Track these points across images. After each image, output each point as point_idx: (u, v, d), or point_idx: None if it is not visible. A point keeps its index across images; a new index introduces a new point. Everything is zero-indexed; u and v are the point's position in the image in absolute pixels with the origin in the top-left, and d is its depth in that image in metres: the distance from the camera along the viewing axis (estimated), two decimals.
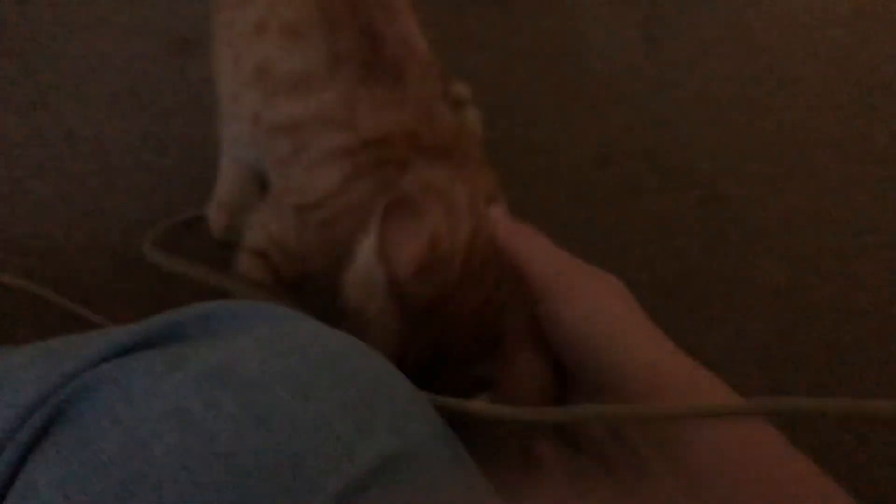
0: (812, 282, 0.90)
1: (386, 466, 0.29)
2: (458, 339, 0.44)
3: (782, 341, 0.85)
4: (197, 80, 0.92)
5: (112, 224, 0.81)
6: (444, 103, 0.59)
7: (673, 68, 1.09)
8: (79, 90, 0.90)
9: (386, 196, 0.43)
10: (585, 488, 0.36)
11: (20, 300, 0.73)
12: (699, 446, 0.32)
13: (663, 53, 1.11)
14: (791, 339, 0.85)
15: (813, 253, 0.93)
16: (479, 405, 0.36)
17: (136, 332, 0.34)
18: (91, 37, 0.94)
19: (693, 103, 1.06)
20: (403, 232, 0.42)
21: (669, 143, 1.01)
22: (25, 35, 0.93)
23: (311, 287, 0.59)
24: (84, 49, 0.93)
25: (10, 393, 0.31)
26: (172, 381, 0.31)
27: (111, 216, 0.81)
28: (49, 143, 0.85)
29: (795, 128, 1.05)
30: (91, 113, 0.88)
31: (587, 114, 1.02)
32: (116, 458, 0.28)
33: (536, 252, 0.41)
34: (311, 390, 0.31)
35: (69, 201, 0.81)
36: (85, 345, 0.34)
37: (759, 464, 0.31)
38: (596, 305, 0.38)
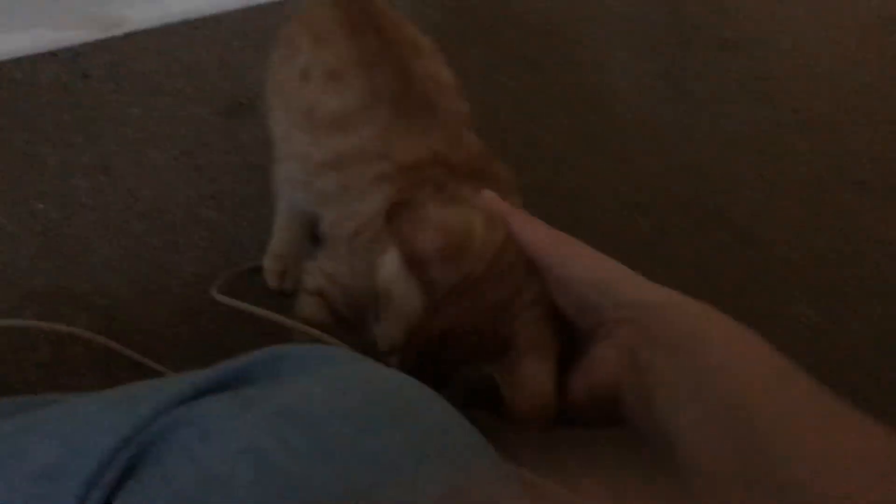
0: (845, 319, 0.91)
1: (450, 498, 0.31)
2: (470, 333, 0.47)
3: (818, 377, 0.85)
4: (249, 141, 0.98)
5: (172, 279, 0.85)
6: (471, 130, 0.65)
7: (699, 115, 1.13)
8: (139, 154, 0.96)
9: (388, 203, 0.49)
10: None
11: (87, 351, 0.78)
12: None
13: (689, 102, 1.15)
14: (826, 376, 0.86)
15: (845, 291, 0.94)
16: None
17: (208, 376, 0.37)
18: (150, 104, 1.01)
19: (720, 148, 1.09)
20: (414, 224, 0.47)
21: (699, 188, 1.03)
22: (89, 105, 1.00)
23: (366, 326, 0.62)
24: (143, 115, 1.00)
25: (94, 435, 0.33)
26: (245, 421, 0.33)
27: (171, 271, 0.86)
28: (112, 204, 0.91)
29: (822, 169, 1.08)
30: (151, 174, 0.94)
31: (617, 161, 1.06)
32: (197, 494, 0.30)
33: (537, 232, 0.48)
34: (373, 426, 0.33)
35: (132, 258, 0.87)
36: (160, 389, 0.36)
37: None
38: (594, 259, 0.45)
